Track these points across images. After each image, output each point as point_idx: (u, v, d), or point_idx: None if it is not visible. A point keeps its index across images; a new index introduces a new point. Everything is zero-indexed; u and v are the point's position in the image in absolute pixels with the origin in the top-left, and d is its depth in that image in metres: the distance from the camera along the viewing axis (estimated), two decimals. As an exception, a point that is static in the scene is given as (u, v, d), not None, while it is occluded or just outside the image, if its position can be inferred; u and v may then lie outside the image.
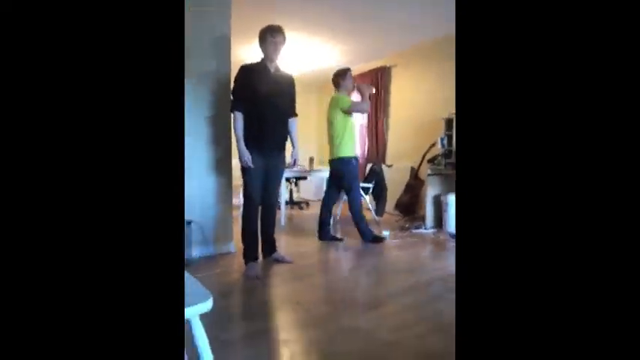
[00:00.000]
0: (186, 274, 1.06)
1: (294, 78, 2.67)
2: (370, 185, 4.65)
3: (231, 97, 2.50)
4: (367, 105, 3.29)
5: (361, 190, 4.74)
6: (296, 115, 2.71)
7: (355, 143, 3.38)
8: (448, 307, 1.93)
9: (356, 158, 3.35)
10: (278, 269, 2.56)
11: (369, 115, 5.55)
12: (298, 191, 6.22)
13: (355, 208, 3.30)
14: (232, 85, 2.52)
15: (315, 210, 5.22)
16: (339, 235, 3.55)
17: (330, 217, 3.44)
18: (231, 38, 2.95)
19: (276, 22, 2.47)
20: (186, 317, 0.91)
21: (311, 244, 3.32)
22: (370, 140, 5.63)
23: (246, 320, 1.79)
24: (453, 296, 2.09)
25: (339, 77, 3.33)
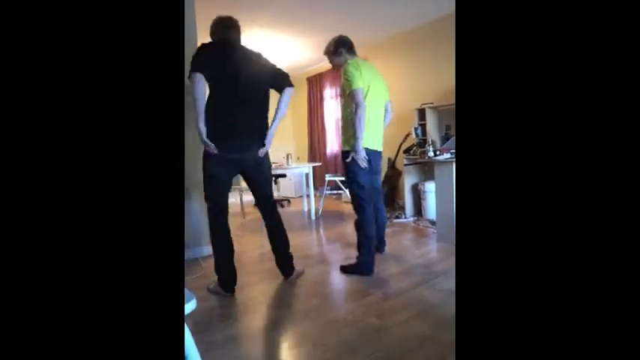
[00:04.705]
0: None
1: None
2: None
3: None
4: None
5: (341, 184, 4.79)
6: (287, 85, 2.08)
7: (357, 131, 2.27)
8: (431, 293, 1.98)
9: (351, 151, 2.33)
10: (263, 266, 2.55)
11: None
12: (278, 189, 6.20)
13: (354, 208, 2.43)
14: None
15: (297, 206, 5.21)
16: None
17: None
18: (197, 38, 2.89)
19: (243, 19, 2.35)
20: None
21: (296, 238, 3.31)
22: (346, 134, 5.65)
23: (230, 320, 1.77)
24: (435, 281, 2.14)
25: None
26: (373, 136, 2.39)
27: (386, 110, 2.56)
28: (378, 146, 2.44)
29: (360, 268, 2.32)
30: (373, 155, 2.39)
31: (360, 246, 2.33)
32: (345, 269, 2.39)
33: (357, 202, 2.34)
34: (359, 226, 2.34)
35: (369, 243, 2.31)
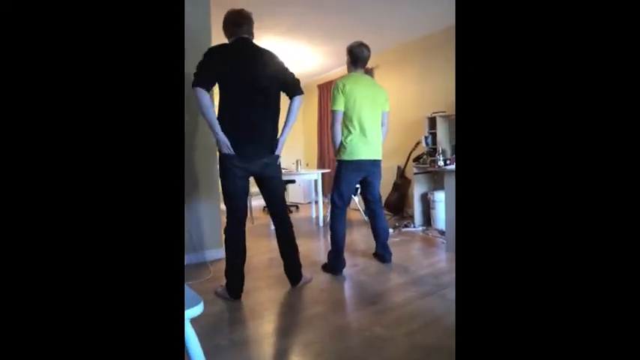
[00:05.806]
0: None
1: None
2: (358, 185, 4.67)
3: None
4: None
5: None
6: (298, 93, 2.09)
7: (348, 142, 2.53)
8: (439, 303, 1.96)
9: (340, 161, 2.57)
10: (269, 272, 2.55)
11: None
12: (287, 195, 6.22)
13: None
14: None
15: (305, 212, 5.22)
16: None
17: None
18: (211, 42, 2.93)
19: (256, 27, 2.35)
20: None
21: (303, 245, 3.31)
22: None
23: (237, 325, 1.78)
24: (444, 292, 2.11)
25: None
26: (367, 146, 2.53)
27: (382, 123, 2.67)
28: (373, 155, 2.57)
29: (329, 269, 2.56)
30: (367, 165, 2.55)
31: (330, 249, 2.57)
32: (323, 267, 2.62)
33: (331, 207, 2.58)
34: (330, 230, 2.55)
35: (337, 247, 2.52)
